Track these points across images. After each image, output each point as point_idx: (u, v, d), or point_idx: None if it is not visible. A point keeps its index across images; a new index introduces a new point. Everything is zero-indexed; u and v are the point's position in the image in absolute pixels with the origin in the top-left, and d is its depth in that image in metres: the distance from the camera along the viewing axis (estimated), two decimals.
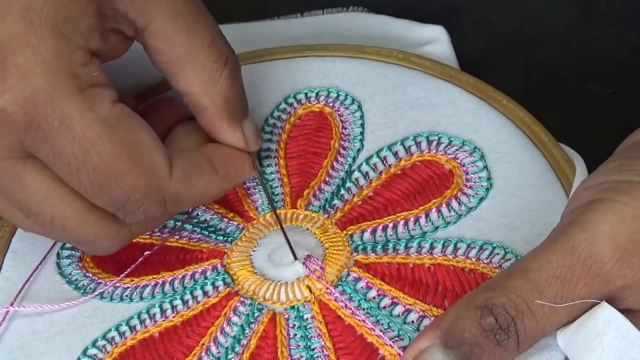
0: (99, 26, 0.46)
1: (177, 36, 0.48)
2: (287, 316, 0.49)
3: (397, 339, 0.47)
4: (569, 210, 0.46)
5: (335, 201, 0.53)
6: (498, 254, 0.50)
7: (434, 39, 0.63)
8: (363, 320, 0.48)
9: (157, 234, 0.53)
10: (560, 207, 0.49)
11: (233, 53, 0.50)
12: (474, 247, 0.50)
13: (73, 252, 0.53)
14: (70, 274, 0.53)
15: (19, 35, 0.43)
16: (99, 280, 0.52)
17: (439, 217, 0.52)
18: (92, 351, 0.49)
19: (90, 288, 0.52)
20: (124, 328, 0.50)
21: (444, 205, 0.52)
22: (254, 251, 0.52)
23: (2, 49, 0.43)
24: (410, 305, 0.48)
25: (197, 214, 0.54)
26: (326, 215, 0.53)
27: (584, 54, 0.59)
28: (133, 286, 0.51)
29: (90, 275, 0.52)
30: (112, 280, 0.51)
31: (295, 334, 0.48)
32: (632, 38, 0.60)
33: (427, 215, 0.52)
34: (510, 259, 0.49)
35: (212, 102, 0.50)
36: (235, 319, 0.49)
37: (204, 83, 0.49)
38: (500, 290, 0.43)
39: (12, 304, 0.51)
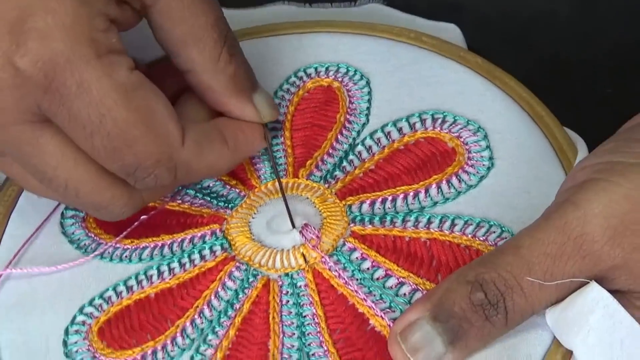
0: None
1: (182, 14, 0.49)
2: (280, 283, 0.50)
3: (388, 310, 0.48)
4: (564, 189, 0.46)
5: (337, 172, 0.54)
6: (494, 232, 0.50)
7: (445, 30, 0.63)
8: (355, 291, 0.49)
9: (166, 199, 0.54)
10: (556, 186, 0.50)
11: (232, 32, 0.51)
12: (471, 224, 0.50)
13: (77, 212, 0.54)
14: (72, 233, 0.53)
15: (40, 0, 0.44)
16: (100, 241, 0.53)
17: (438, 193, 0.52)
18: (89, 309, 0.50)
19: (91, 248, 0.52)
20: (121, 288, 0.50)
21: (444, 182, 0.52)
22: (253, 218, 0.53)
23: (22, 13, 0.43)
24: (404, 278, 0.49)
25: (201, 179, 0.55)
26: (326, 185, 0.54)
27: (584, 52, 0.59)
28: (133, 247, 0.52)
29: (92, 236, 0.53)
30: (112, 241, 0.52)
31: (288, 301, 0.49)
32: (633, 35, 0.60)
33: (426, 191, 0.52)
34: (506, 238, 0.49)
35: (216, 81, 0.51)
36: (229, 283, 0.50)
37: (206, 62, 0.50)
38: (491, 266, 0.44)
39: (7, 267, 0.52)
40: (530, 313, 0.44)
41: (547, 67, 0.55)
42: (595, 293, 0.43)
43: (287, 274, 0.50)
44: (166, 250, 0.52)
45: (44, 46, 0.43)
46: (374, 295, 0.49)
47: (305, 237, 0.50)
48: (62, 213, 0.54)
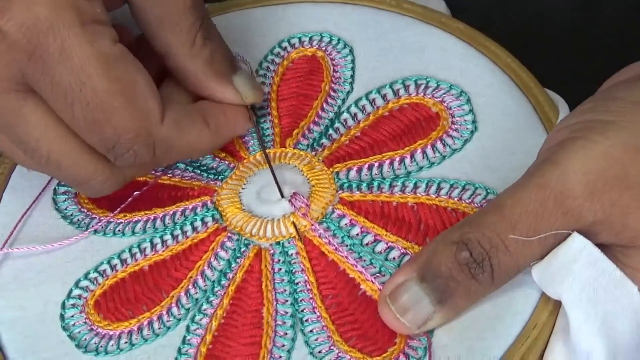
0: None
1: None
2: (272, 251, 0.51)
3: (378, 275, 0.49)
4: (544, 149, 0.47)
5: (323, 140, 0.55)
6: (480, 194, 0.51)
7: None
8: (346, 257, 0.50)
9: (153, 171, 0.55)
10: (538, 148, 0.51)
11: (209, 16, 0.51)
12: (457, 187, 0.51)
13: (69, 188, 0.55)
14: (65, 209, 0.54)
15: None
16: (93, 216, 0.54)
17: (423, 157, 0.53)
18: (84, 283, 0.51)
19: (84, 223, 0.53)
20: (116, 261, 0.51)
21: (429, 147, 0.53)
22: (243, 189, 0.53)
23: None
24: (393, 242, 0.50)
25: None
26: (313, 153, 0.54)
27: (585, 53, 0.60)
28: (126, 221, 0.53)
29: (85, 211, 0.54)
30: (106, 216, 0.53)
31: (280, 269, 0.50)
32: (633, 36, 0.60)
33: (412, 156, 0.53)
34: (491, 199, 0.50)
35: (192, 65, 0.51)
36: (222, 253, 0.51)
37: (181, 45, 0.50)
38: (476, 226, 0.45)
39: (3, 246, 0.53)
40: (516, 270, 0.45)
41: (549, 68, 0.55)
42: (577, 243, 0.44)
43: (278, 243, 0.51)
44: (158, 223, 0.53)
45: (28, 11, 0.44)
46: (364, 261, 0.50)
47: (295, 206, 0.51)
48: (55, 189, 0.55)
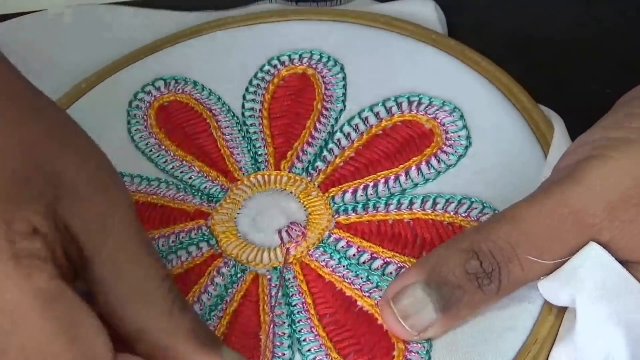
0: (49, 222, 0.41)
1: (128, 267, 0.43)
2: (269, 277, 0.50)
3: (375, 289, 0.49)
4: (563, 165, 0.46)
5: (318, 163, 0.54)
6: (476, 208, 0.51)
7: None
8: (342, 276, 0.49)
9: (142, 190, 0.54)
10: (537, 164, 0.52)
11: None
12: (452, 202, 0.51)
13: None
14: None
15: None
16: None
17: (418, 174, 0.53)
18: None
19: None
20: None
21: (423, 163, 0.53)
22: (238, 214, 0.53)
23: None
24: (389, 258, 0.50)
25: (181, 172, 0.55)
26: (309, 178, 0.54)
27: (584, 54, 0.60)
28: None
29: None
30: None
31: (277, 293, 0.49)
32: (633, 37, 0.60)
33: (406, 173, 0.53)
34: (487, 213, 0.50)
35: (174, 338, 0.43)
36: (218, 279, 0.50)
37: (158, 318, 0.43)
38: (488, 235, 0.44)
39: None
40: (523, 283, 0.44)
41: (548, 69, 0.55)
42: (585, 248, 0.44)
43: (275, 268, 0.50)
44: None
45: None
46: (361, 278, 0.49)
47: (292, 237, 0.51)
48: None
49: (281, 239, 0.51)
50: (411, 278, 0.44)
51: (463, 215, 0.51)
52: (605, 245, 0.44)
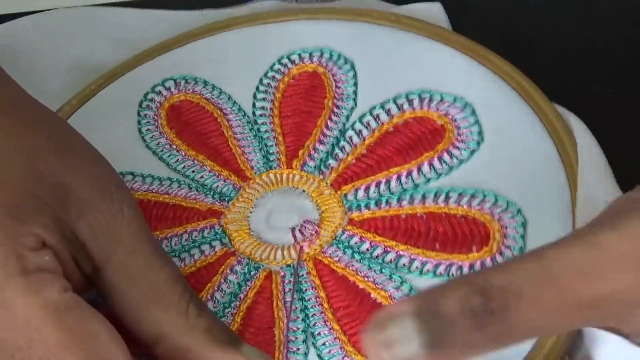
0: (57, 234, 0.41)
1: (140, 271, 0.43)
2: (282, 274, 0.50)
3: (388, 281, 0.49)
4: (601, 217, 0.40)
5: (330, 161, 0.54)
6: (489, 201, 0.51)
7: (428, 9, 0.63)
8: (355, 269, 0.49)
9: (154, 190, 0.54)
10: (548, 159, 0.52)
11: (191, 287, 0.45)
12: (465, 196, 0.51)
13: None
14: None
15: None
16: None
17: (430, 169, 0.53)
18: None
19: None
20: None
21: (435, 159, 0.53)
22: (251, 212, 0.53)
23: None
24: (402, 250, 0.50)
25: (193, 171, 0.55)
26: (321, 177, 0.54)
27: (584, 54, 0.60)
28: None
29: None
30: None
31: (290, 289, 0.49)
32: (634, 38, 0.60)
33: (419, 169, 0.53)
34: (501, 206, 0.50)
35: (191, 339, 0.43)
36: (232, 277, 0.50)
37: (174, 320, 0.43)
38: (503, 271, 0.37)
39: None
40: (533, 332, 0.38)
41: (548, 69, 0.55)
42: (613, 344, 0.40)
43: (288, 265, 0.50)
44: (165, 244, 0.52)
45: None
46: (374, 271, 0.49)
47: (305, 236, 0.51)
48: None
49: (295, 237, 0.51)
50: (406, 306, 0.37)
51: (476, 208, 0.50)
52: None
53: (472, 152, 0.53)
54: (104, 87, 0.59)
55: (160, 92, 0.59)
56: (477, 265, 0.49)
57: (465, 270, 0.49)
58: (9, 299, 0.38)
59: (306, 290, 0.49)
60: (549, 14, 0.63)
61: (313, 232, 0.51)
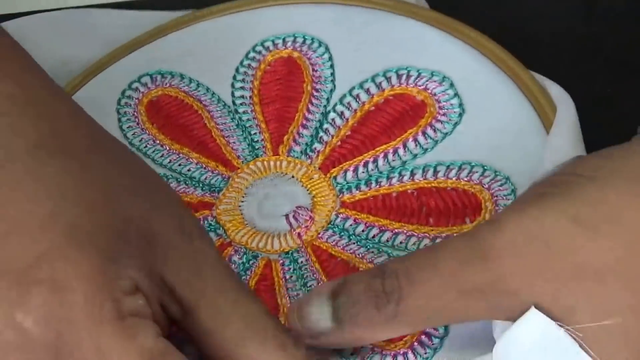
0: (148, 278, 0.41)
1: (233, 309, 0.42)
2: (281, 261, 0.50)
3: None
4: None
5: (316, 144, 0.55)
6: (477, 171, 0.51)
7: None
8: (354, 252, 0.50)
9: None
10: (530, 124, 0.52)
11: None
12: (453, 168, 0.52)
13: None
14: None
15: (59, 248, 0.39)
16: None
17: (416, 145, 0.53)
18: None
19: None
20: None
21: (420, 134, 0.54)
22: (242, 202, 0.53)
23: (35, 261, 0.38)
24: (398, 229, 0.50)
25: (179, 165, 0.55)
26: (309, 161, 0.54)
27: (584, 54, 0.60)
28: None
29: None
30: None
31: (291, 276, 0.50)
32: (634, 37, 0.61)
33: (404, 146, 0.53)
34: (489, 176, 0.51)
35: None
36: (231, 267, 0.50)
37: (274, 353, 0.42)
38: (402, 258, 0.42)
39: None
40: (423, 313, 0.41)
41: (548, 68, 0.56)
42: (536, 320, 0.40)
43: (286, 253, 0.51)
44: None
45: (57, 301, 0.38)
46: (372, 252, 0.50)
47: (299, 221, 0.51)
48: None
49: (290, 224, 0.51)
50: (325, 287, 0.43)
51: (465, 179, 0.51)
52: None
53: (455, 125, 0.54)
54: (79, 89, 0.58)
55: (137, 88, 0.58)
56: None
57: None
58: (105, 345, 0.38)
59: (306, 276, 0.49)
60: (548, 13, 0.63)
61: (307, 218, 0.51)
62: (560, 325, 0.40)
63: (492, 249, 0.40)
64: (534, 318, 0.40)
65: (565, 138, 0.50)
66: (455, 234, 0.43)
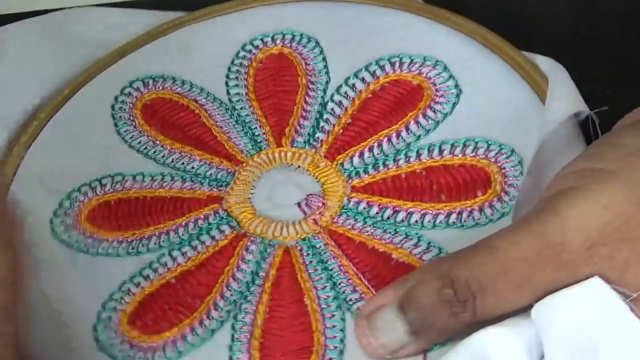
0: None
1: None
2: (300, 248, 0.50)
3: (406, 240, 0.49)
4: (546, 195, 0.44)
5: (318, 134, 0.55)
6: (482, 147, 0.52)
7: None
8: (371, 234, 0.50)
9: (148, 186, 0.54)
10: (527, 99, 0.54)
11: None
12: (458, 146, 0.53)
13: (69, 210, 0.53)
14: (68, 237, 0.52)
15: None
16: (101, 238, 0.52)
17: (418, 127, 0.54)
18: (111, 304, 0.49)
19: (93, 247, 0.51)
20: (139, 279, 0.50)
21: (420, 116, 0.54)
22: (251, 194, 0.53)
23: None
24: (411, 208, 0.51)
25: (183, 163, 0.54)
26: (313, 150, 0.54)
27: (584, 54, 0.61)
28: (137, 239, 0.51)
29: (90, 234, 0.52)
30: (115, 237, 0.52)
31: (311, 261, 0.50)
32: (634, 37, 0.62)
33: (407, 128, 0.54)
34: (494, 150, 0.52)
35: None
36: (249, 256, 0.50)
37: None
38: (465, 264, 0.43)
39: None
40: (499, 313, 0.43)
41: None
42: (596, 287, 0.42)
43: (303, 239, 0.51)
44: (172, 235, 0.51)
45: None
46: (389, 233, 0.50)
47: (312, 208, 0.51)
48: (51, 219, 0.53)
49: (304, 212, 0.51)
50: (387, 298, 0.44)
51: (471, 155, 0.52)
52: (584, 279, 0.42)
53: (454, 105, 0.54)
54: (72, 96, 0.58)
55: (130, 93, 0.58)
56: (486, 208, 0.50)
57: (477, 214, 0.50)
58: None
59: (327, 260, 0.49)
60: (549, 13, 0.64)
61: (320, 205, 0.52)
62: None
63: (564, 250, 0.42)
64: (596, 285, 0.41)
65: (563, 100, 0.51)
66: (512, 228, 0.43)
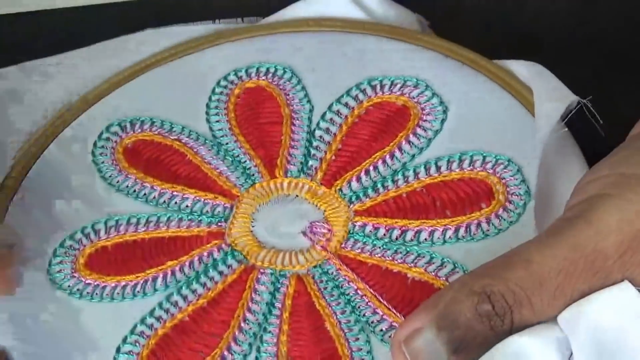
0: None
1: None
2: (312, 275, 0.49)
3: (419, 258, 0.49)
4: (574, 202, 0.44)
5: (310, 162, 0.54)
6: (478, 159, 0.52)
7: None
8: (382, 256, 0.49)
9: (143, 229, 0.52)
10: (510, 108, 0.54)
11: None
12: (454, 161, 0.52)
13: (65, 259, 0.51)
14: (69, 286, 0.50)
15: None
16: (103, 284, 0.50)
17: (411, 146, 0.54)
18: (126, 348, 0.47)
19: (96, 293, 0.49)
20: (151, 320, 0.48)
21: (411, 135, 0.54)
22: (253, 227, 0.52)
23: None
24: (418, 226, 0.50)
25: (176, 202, 0.53)
26: (309, 178, 0.54)
27: (585, 54, 0.61)
28: (142, 281, 0.49)
29: (91, 281, 0.50)
30: (117, 281, 0.50)
31: (326, 287, 0.49)
32: (634, 37, 0.62)
33: (400, 148, 0.54)
34: (490, 161, 0.52)
35: None
36: (261, 288, 0.49)
37: None
38: (500, 279, 0.42)
39: None
40: (535, 323, 0.43)
41: (547, 68, 0.56)
42: (626, 292, 0.42)
43: (315, 266, 0.50)
44: (178, 274, 0.50)
45: None
46: (401, 253, 0.49)
47: (318, 235, 0.51)
48: (50, 261, 0.51)
49: (311, 239, 0.51)
50: (422, 321, 0.43)
51: (468, 169, 0.52)
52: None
53: (443, 121, 0.54)
54: (47, 147, 0.56)
55: (108, 138, 0.56)
56: (494, 219, 0.50)
57: (485, 226, 0.50)
58: None
59: (342, 285, 0.48)
60: (547, 11, 0.65)
61: (325, 231, 0.51)
62: None
63: (598, 258, 0.41)
64: (624, 289, 0.41)
65: (552, 99, 0.51)
66: (544, 238, 0.43)
